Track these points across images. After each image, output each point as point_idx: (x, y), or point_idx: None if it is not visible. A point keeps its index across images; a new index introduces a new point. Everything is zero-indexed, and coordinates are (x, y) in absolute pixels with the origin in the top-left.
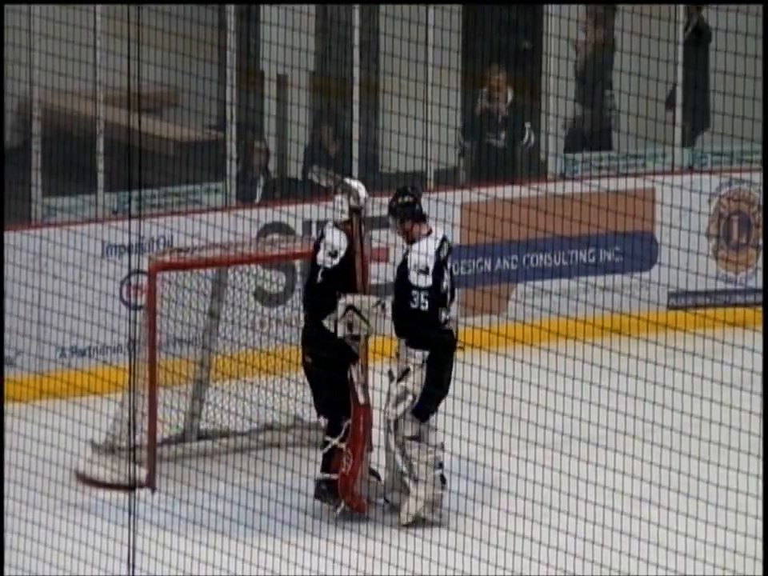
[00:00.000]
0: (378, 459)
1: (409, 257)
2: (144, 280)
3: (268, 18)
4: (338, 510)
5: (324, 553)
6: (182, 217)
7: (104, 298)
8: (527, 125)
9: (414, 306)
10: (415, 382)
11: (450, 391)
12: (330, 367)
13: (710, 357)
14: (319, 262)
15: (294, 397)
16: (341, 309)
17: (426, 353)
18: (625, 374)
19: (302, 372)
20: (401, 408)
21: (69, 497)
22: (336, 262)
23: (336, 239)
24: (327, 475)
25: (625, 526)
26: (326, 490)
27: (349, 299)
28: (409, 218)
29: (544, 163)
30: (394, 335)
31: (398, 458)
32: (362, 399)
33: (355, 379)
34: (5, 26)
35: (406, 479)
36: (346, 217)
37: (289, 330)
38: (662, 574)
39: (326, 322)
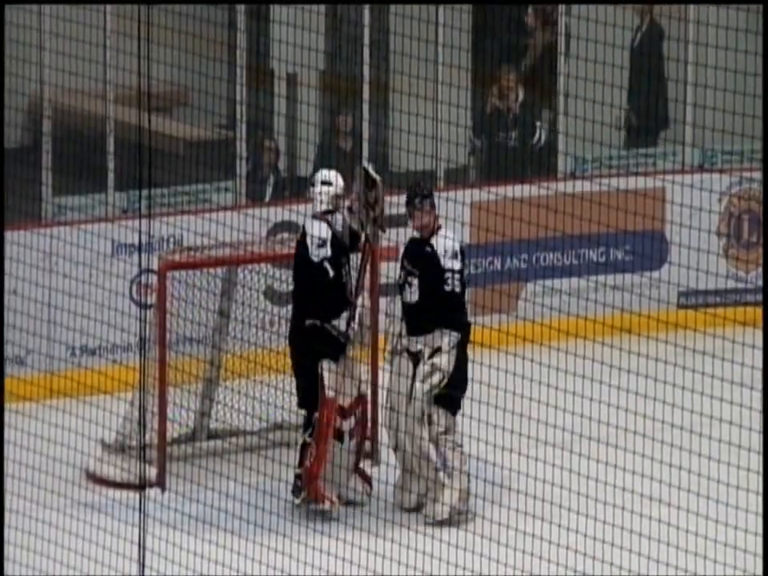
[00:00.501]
0: (388, 458)
1: (435, 244)
2: (154, 279)
3: (278, 17)
4: (298, 501)
5: (334, 552)
6: (192, 216)
7: (114, 297)
8: (538, 123)
9: (448, 288)
10: (444, 360)
11: (418, 395)
12: (309, 362)
13: (720, 356)
14: (316, 258)
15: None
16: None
17: (458, 335)
18: (635, 373)
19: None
20: (427, 385)
21: (79, 496)
22: (328, 251)
23: (317, 229)
24: (298, 470)
25: (635, 525)
26: (300, 485)
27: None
28: (434, 207)
29: (554, 162)
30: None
31: (433, 453)
32: (329, 393)
33: (326, 375)
34: (16, 25)
35: (441, 474)
36: (324, 207)
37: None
38: (672, 573)
39: (337, 322)
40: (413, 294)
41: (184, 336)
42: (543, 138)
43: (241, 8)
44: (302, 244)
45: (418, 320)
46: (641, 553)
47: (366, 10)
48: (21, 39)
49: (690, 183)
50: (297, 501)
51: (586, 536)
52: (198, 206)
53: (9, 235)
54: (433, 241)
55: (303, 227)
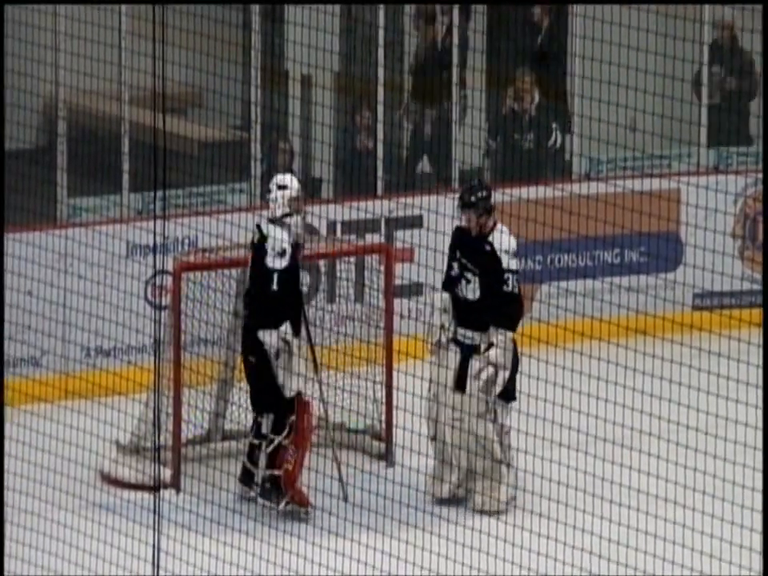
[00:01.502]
0: (402, 459)
1: (496, 244)
2: (169, 280)
3: (292, 18)
4: (281, 506)
5: (348, 553)
6: (207, 217)
7: (129, 298)
8: (554, 125)
9: (507, 289)
10: (498, 355)
11: (474, 392)
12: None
13: (735, 357)
14: (270, 265)
15: (318, 397)
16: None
17: (513, 334)
18: (650, 375)
19: (326, 373)
20: (482, 381)
21: (94, 497)
22: (286, 261)
23: (279, 236)
24: (271, 471)
25: (649, 526)
26: (270, 488)
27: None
28: (488, 211)
29: (569, 164)
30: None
31: (497, 446)
32: (307, 397)
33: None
34: (30, 26)
35: (502, 467)
36: (281, 212)
37: (313, 330)
38: (686, 574)
39: (283, 329)
40: (474, 291)
41: (198, 337)
42: (559, 140)
43: (255, 9)
44: (261, 248)
45: (476, 316)
46: (656, 554)
47: (381, 11)
48: (36, 40)
49: (705, 185)
50: (280, 506)
51: (601, 538)
52: (213, 208)
53: (24, 236)
54: (491, 239)
55: (260, 231)
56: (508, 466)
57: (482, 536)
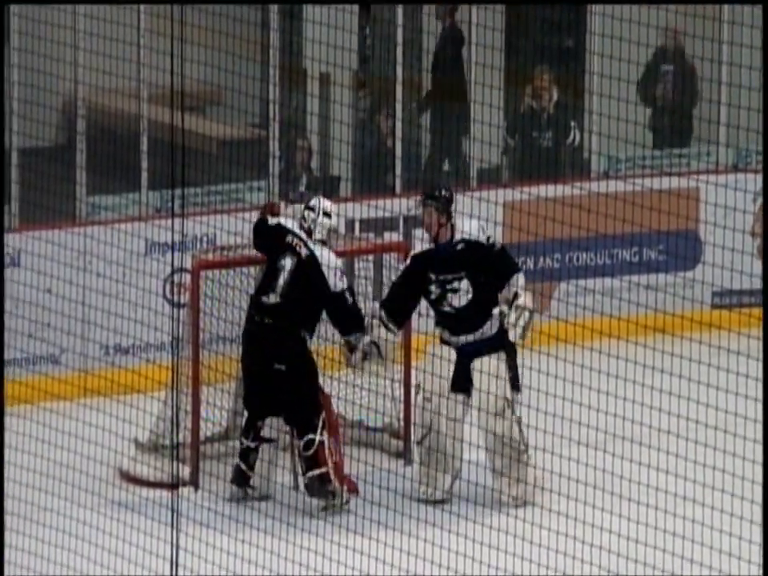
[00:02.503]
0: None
1: (465, 236)
2: (187, 278)
3: (311, 17)
4: (346, 500)
5: (367, 551)
6: (225, 215)
7: (147, 295)
8: (573, 123)
9: (497, 247)
10: (528, 299)
11: (492, 390)
12: (307, 374)
13: (754, 356)
14: (340, 287)
15: (336, 395)
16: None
17: (523, 276)
18: (668, 373)
19: (344, 371)
20: (521, 324)
21: (112, 495)
22: (346, 280)
23: (334, 260)
24: (318, 471)
25: (667, 524)
26: (320, 485)
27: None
28: (447, 212)
29: (587, 162)
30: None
31: (517, 434)
32: (326, 389)
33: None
34: (50, 24)
35: (525, 455)
36: (320, 237)
37: (331, 328)
38: (704, 572)
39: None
40: (460, 298)
41: (217, 335)
42: (578, 138)
43: (274, 7)
44: (315, 265)
45: (470, 319)
46: (672, 552)
47: (399, 9)
48: (55, 38)
49: (723, 183)
50: (344, 502)
51: (619, 536)
52: (231, 206)
53: (43, 234)
54: (457, 238)
55: (311, 251)
56: (526, 451)
57: (500, 534)
